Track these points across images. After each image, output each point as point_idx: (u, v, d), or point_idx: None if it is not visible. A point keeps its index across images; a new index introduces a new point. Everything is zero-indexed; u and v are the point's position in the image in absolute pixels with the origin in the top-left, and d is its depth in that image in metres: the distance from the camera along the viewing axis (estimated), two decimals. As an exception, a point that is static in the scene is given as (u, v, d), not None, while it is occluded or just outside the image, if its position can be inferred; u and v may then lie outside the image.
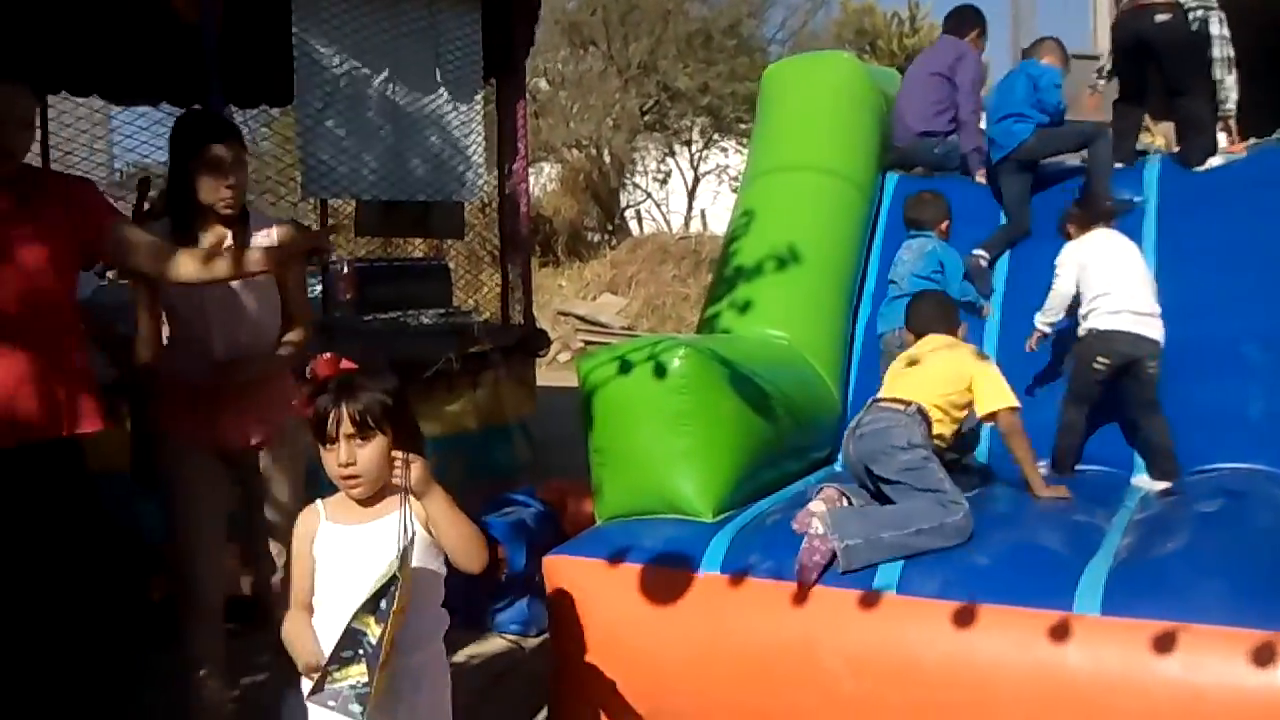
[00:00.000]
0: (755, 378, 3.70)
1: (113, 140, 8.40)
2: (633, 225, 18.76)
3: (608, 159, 18.25)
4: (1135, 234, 4.37)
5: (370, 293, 11.90)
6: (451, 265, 10.75)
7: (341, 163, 4.88)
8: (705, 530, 3.25)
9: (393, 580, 2.01)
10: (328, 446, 2.12)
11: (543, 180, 18.52)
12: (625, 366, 3.43)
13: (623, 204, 18.81)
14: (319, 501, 2.26)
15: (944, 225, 4.64)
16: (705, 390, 3.42)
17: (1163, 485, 3.73)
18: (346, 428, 2.09)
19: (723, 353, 3.63)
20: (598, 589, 3.16)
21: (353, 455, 2.10)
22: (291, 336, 3.12)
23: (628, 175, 19.12)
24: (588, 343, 13.20)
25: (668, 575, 3.10)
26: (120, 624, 3.11)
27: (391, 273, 12.36)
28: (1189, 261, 4.35)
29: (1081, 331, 3.99)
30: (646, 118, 18.30)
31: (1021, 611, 2.73)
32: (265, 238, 3.05)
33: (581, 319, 13.83)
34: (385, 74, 5.08)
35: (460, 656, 3.96)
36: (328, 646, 2.04)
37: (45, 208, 2.66)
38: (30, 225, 2.61)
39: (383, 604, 2.00)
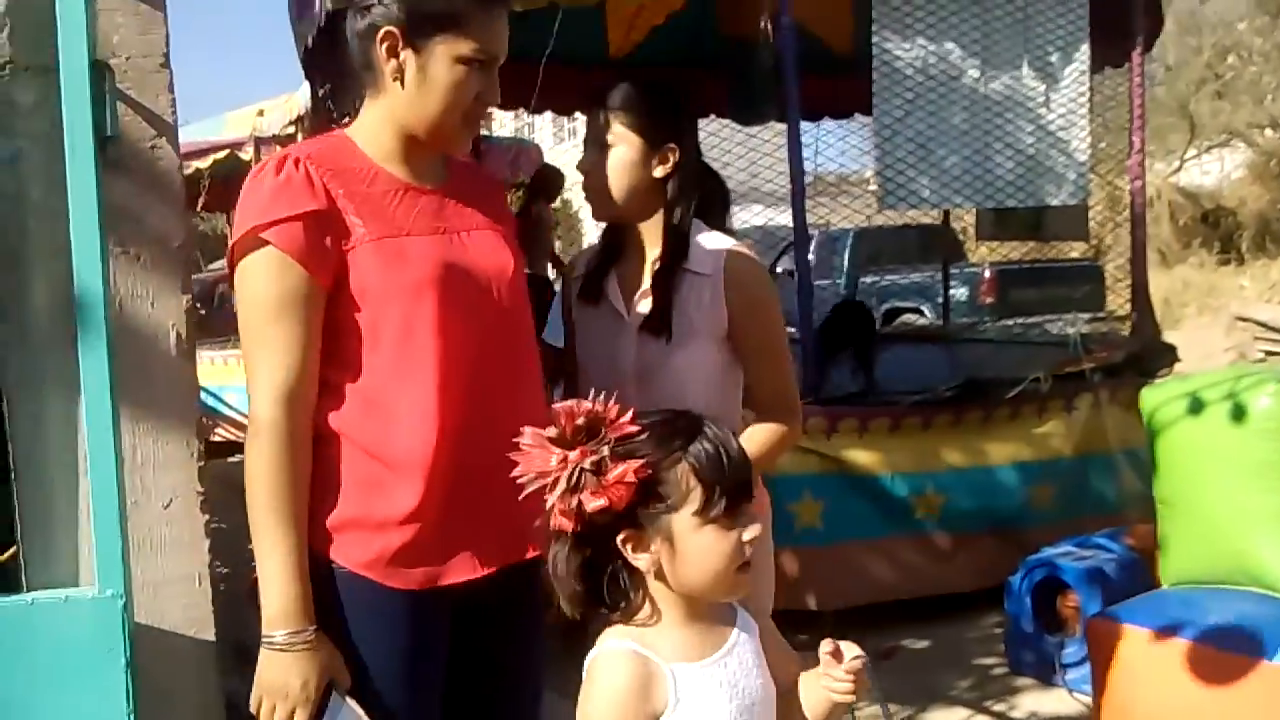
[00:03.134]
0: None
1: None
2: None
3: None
4: None
5: (1011, 296, 11.61)
6: (1111, 265, 9.99)
7: (922, 171, 4.73)
8: (1291, 611, 2.63)
9: None
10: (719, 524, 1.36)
11: (1227, 168, 16.48)
12: (1197, 404, 2.90)
13: (1328, 189, 16.10)
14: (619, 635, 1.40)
15: None
16: (1303, 436, 2.77)
17: None
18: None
19: (1336, 389, 2.91)
20: (1144, 663, 2.73)
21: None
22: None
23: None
24: (1269, 353, 11.49)
25: (1227, 659, 2.58)
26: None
27: (1036, 275, 11.90)
28: None
29: None
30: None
31: None
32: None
33: (1263, 325, 12.07)
34: (971, 75, 4.83)
35: (1021, 711, 3.64)
36: None
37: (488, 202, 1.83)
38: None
39: None
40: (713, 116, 7.83)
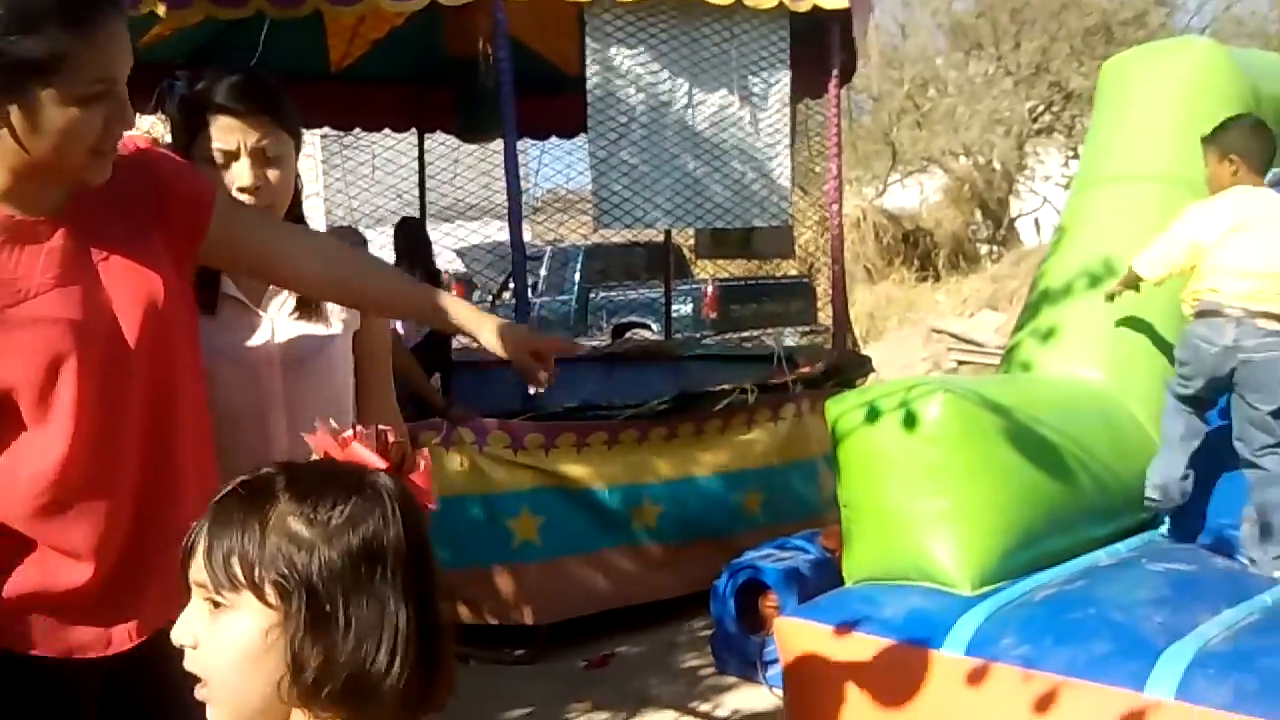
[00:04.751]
0: (1039, 427, 3.23)
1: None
2: (1028, 236, 17.61)
3: (997, 166, 17.27)
4: None
5: (732, 311, 12.15)
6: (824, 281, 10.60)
7: (636, 192, 4.86)
8: (958, 604, 2.86)
9: None
10: None
11: (926, 192, 17.84)
12: (874, 413, 3.11)
13: (1013, 213, 17.71)
14: None
15: None
16: (966, 442, 3.02)
17: None
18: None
19: (995, 398, 3.20)
20: (830, 660, 2.88)
21: None
22: None
23: (1022, 182, 18.00)
24: (961, 362, 12.49)
25: (903, 652, 2.76)
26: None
27: (755, 291, 12.52)
28: None
29: None
30: (1038, 122, 17.11)
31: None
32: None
33: (955, 337, 13.12)
34: (681, 102, 5.00)
35: (726, 709, 3.78)
36: None
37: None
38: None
39: None
40: (439, 133, 7.83)
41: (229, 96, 1.87)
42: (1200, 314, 3.31)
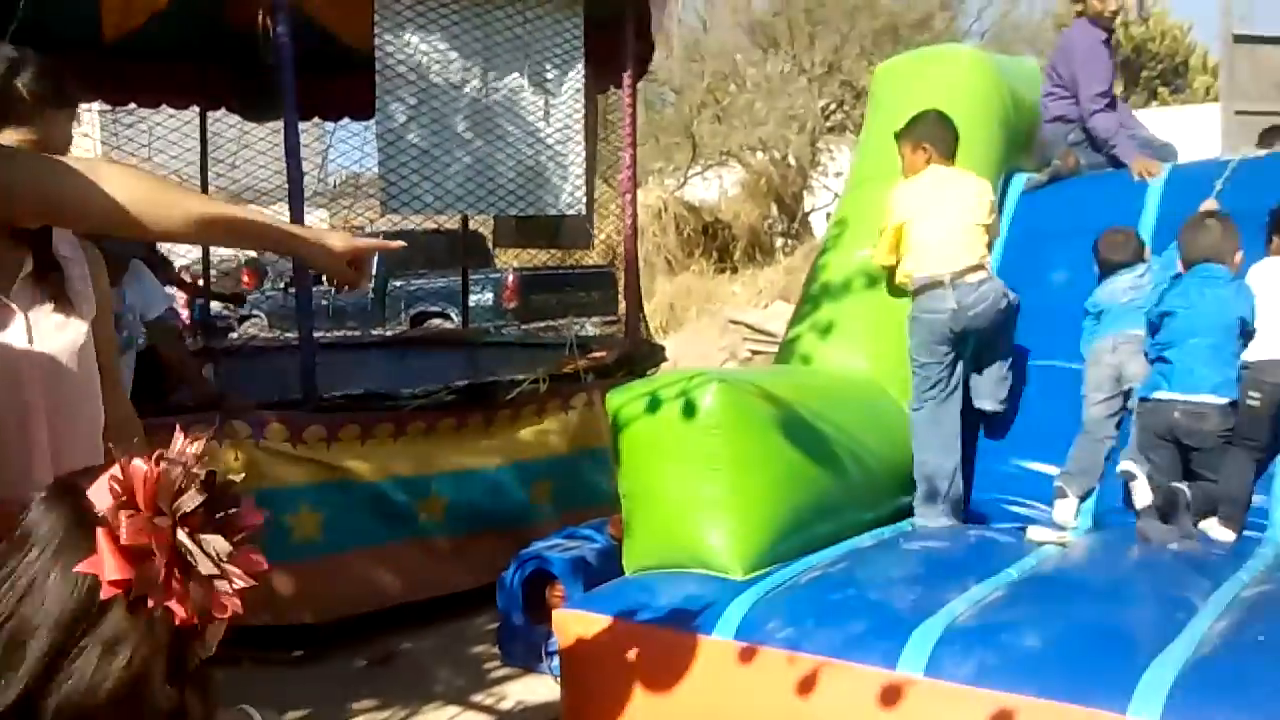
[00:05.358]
0: (810, 416, 3.34)
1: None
2: (821, 230, 18.25)
3: (792, 161, 17.81)
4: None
5: (533, 300, 12.11)
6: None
7: (425, 177, 4.77)
8: (729, 589, 2.93)
9: None
10: None
11: (725, 185, 18.24)
12: (654, 403, 3.15)
13: (808, 207, 18.31)
14: None
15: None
16: (741, 431, 3.10)
17: None
18: None
19: (769, 388, 3.29)
20: (606, 648, 2.90)
21: None
22: None
23: (816, 177, 18.62)
24: (755, 352, 12.84)
25: (676, 638, 2.81)
26: None
27: (556, 280, 12.51)
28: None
29: None
30: (830, 120, 17.75)
31: (1067, 710, 2.30)
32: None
33: (751, 327, 13.47)
34: (474, 86, 4.94)
35: (510, 701, 3.77)
36: None
37: None
38: None
39: None
40: (223, 111, 7.48)
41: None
42: (919, 290, 3.62)
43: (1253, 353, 3.32)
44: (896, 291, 3.91)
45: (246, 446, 4.12)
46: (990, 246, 3.79)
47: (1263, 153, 4.66)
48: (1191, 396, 3.27)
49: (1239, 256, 3.44)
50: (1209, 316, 3.33)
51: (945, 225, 3.63)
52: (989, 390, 3.74)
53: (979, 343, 3.68)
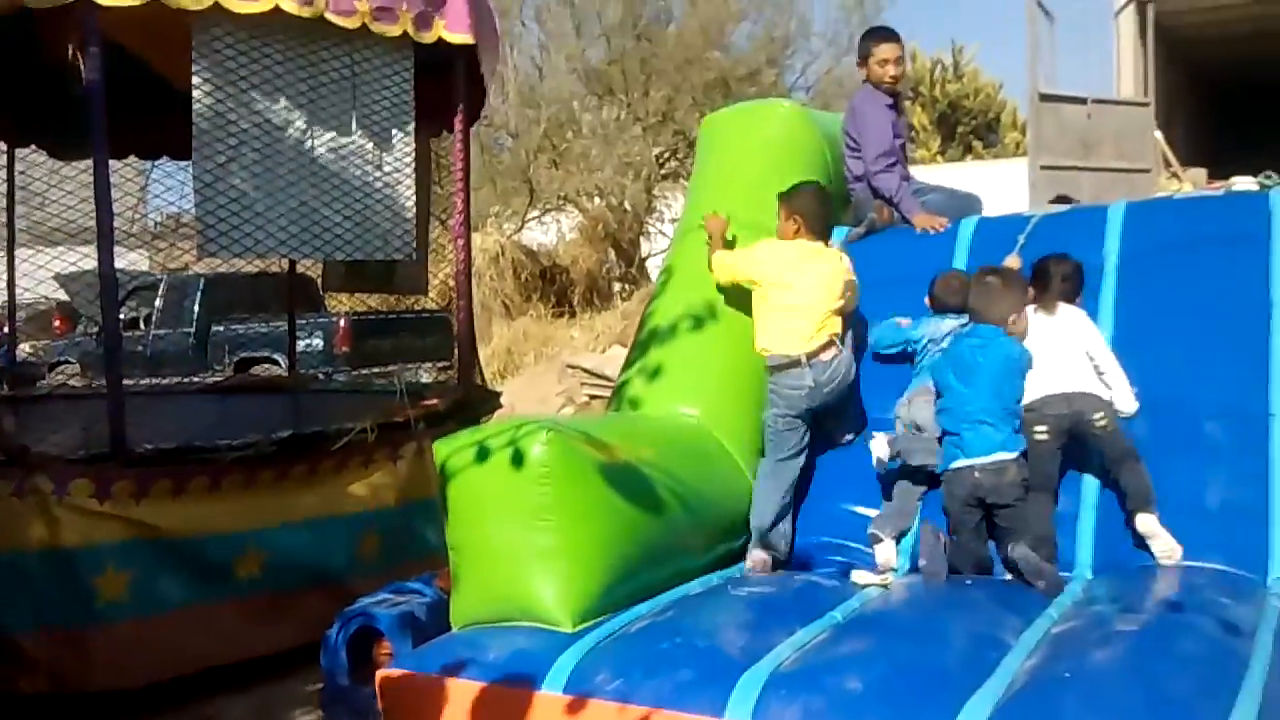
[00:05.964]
0: (639, 464, 3.35)
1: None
2: (656, 275, 18.51)
3: (628, 207, 18.01)
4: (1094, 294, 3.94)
5: (367, 345, 11.82)
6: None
7: (245, 220, 4.60)
8: (559, 642, 2.89)
9: None
10: None
11: (562, 230, 18.30)
12: (483, 453, 3.10)
13: (644, 253, 18.54)
14: None
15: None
16: (571, 481, 3.08)
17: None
18: None
19: (599, 436, 3.28)
20: (434, 710, 2.81)
21: None
22: None
23: (652, 223, 18.88)
24: (593, 396, 12.86)
25: (505, 694, 2.76)
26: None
27: (390, 325, 12.25)
28: (1148, 326, 3.91)
29: None
30: (664, 167, 18.06)
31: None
32: None
33: (589, 372, 13.49)
34: (298, 127, 4.81)
35: (334, 764, 3.61)
36: None
37: None
38: None
39: None
40: (33, 148, 7.09)
41: None
42: (777, 368, 3.71)
43: (1029, 396, 3.52)
44: (722, 340, 3.99)
45: (49, 502, 3.87)
46: (847, 322, 3.87)
47: (1062, 208, 4.95)
48: (986, 458, 3.42)
49: (1022, 315, 3.61)
50: (988, 378, 3.50)
51: (803, 303, 3.71)
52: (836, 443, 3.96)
53: (830, 409, 3.81)
